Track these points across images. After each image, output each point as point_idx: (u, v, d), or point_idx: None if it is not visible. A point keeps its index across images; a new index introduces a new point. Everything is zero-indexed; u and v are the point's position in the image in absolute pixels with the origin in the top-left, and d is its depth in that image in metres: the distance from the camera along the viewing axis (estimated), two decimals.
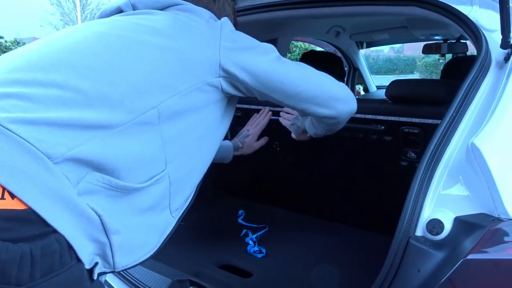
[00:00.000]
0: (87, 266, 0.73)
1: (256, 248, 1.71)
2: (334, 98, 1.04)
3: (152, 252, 0.88)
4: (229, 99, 1.00)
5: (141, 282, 1.32)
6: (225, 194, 2.29)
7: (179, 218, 0.96)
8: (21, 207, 0.63)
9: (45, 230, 0.65)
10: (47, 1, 23.70)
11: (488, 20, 1.17)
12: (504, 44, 1.07)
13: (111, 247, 0.76)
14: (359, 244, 1.72)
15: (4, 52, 12.27)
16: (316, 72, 1.03)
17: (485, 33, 1.14)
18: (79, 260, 0.71)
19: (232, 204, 2.16)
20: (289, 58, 8.11)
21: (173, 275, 1.38)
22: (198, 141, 0.93)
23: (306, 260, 1.62)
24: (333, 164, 1.89)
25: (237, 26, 1.22)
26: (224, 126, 1.03)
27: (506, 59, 1.07)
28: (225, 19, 1.00)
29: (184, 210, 0.98)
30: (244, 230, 1.86)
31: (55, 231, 0.66)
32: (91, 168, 0.73)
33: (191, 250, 1.69)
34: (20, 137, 0.65)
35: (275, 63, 0.97)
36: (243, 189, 2.26)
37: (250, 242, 1.75)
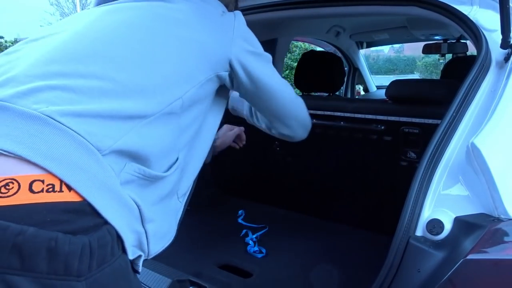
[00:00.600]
0: (130, 257, 0.75)
1: (256, 248, 1.71)
2: (302, 125, 1.13)
3: (174, 236, 0.92)
4: (223, 88, 1.04)
5: (141, 282, 1.31)
6: (225, 194, 2.29)
7: (185, 203, 0.98)
8: (77, 199, 0.65)
9: (98, 221, 0.67)
10: (47, 1, 23.70)
11: (488, 20, 1.17)
12: (504, 44, 1.07)
13: (146, 236, 0.78)
14: (359, 244, 1.72)
15: None
16: (295, 94, 1.11)
17: (485, 33, 1.14)
18: (124, 251, 0.73)
19: (232, 204, 2.16)
20: (289, 58, 8.05)
21: (173, 275, 1.38)
22: (201, 128, 0.96)
23: (306, 260, 1.62)
24: (333, 164, 1.89)
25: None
26: (220, 113, 1.07)
27: (506, 59, 1.07)
28: (238, 14, 1.02)
29: (189, 196, 1.00)
30: (244, 230, 1.86)
31: (106, 222, 0.68)
32: (129, 158, 0.75)
33: (191, 250, 1.69)
34: (72, 130, 0.67)
35: (271, 74, 1.02)
36: (243, 189, 2.25)
37: (250, 242, 1.75)
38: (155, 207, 0.82)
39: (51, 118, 0.67)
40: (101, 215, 0.67)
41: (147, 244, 0.79)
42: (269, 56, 1.04)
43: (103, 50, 0.81)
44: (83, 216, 0.66)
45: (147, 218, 0.77)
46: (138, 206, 0.75)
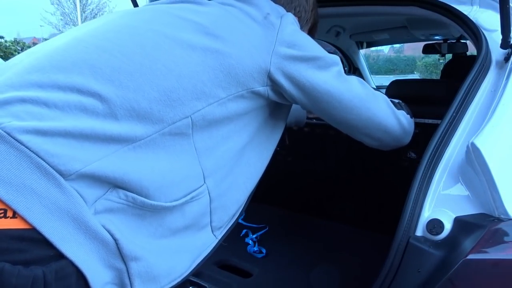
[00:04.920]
0: None
1: (256, 248, 1.70)
2: (384, 131, 0.96)
3: (181, 278, 0.79)
4: (274, 103, 0.88)
5: None
6: None
7: (222, 238, 0.86)
8: (25, 226, 0.58)
9: (52, 252, 0.60)
10: (47, 1, 23.70)
11: (488, 20, 1.17)
12: (504, 44, 1.07)
13: (128, 275, 0.68)
14: (359, 244, 1.72)
15: (4, 52, 12.25)
16: (374, 98, 0.92)
17: (485, 33, 1.14)
18: None
19: None
20: None
21: None
22: (241, 151, 0.83)
23: (306, 260, 1.62)
24: (333, 164, 1.89)
25: (316, 25, 1.14)
26: (273, 131, 0.92)
27: (506, 59, 1.07)
28: (288, 16, 0.86)
29: (229, 229, 0.88)
30: (244, 230, 1.86)
31: (61, 254, 0.60)
32: (112, 185, 0.66)
33: None
34: (31, 150, 0.60)
35: (332, 81, 0.85)
36: None
37: (250, 242, 1.75)
38: (154, 242, 0.72)
39: (9, 135, 0.59)
40: (54, 246, 0.59)
41: (130, 285, 0.68)
42: (329, 58, 0.86)
43: (92, 58, 0.70)
44: (38, 245, 0.59)
45: (129, 255, 0.67)
46: (115, 240, 0.65)
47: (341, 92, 0.86)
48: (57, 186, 0.61)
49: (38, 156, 0.60)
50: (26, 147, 0.60)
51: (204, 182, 0.77)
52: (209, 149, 0.76)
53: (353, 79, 0.90)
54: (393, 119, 0.97)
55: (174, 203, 0.73)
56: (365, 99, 0.90)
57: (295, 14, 0.99)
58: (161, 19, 0.79)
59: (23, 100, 0.63)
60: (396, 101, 1.07)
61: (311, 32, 1.13)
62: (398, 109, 1.01)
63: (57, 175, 0.61)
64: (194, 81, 0.73)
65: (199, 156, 0.75)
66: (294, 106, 0.99)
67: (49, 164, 0.60)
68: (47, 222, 0.59)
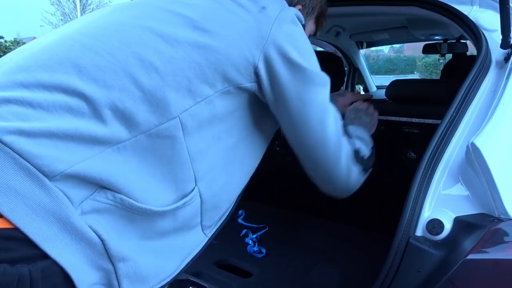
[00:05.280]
0: None
1: (256, 248, 1.70)
2: (328, 179, 0.93)
3: (171, 278, 0.78)
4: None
5: None
6: None
7: (212, 236, 0.85)
8: (8, 225, 0.58)
9: (36, 252, 0.60)
10: (47, 1, 23.70)
11: (488, 20, 1.17)
12: (504, 44, 1.07)
13: (116, 276, 0.67)
14: (359, 244, 1.72)
15: (4, 52, 12.27)
16: (338, 144, 0.87)
17: (485, 33, 1.14)
18: None
19: None
20: None
21: None
22: (232, 150, 0.81)
23: (306, 260, 1.62)
24: None
25: (323, 14, 1.09)
26: (265, 127, 0.89)
27: (506, 59, 1.07)
28: (288, 11, 0.81)
29: (219, 227, 0.87)
30: (244, 230, 1.86)
31: (45, 254, 0.60)
32: (99, 186, 0.66)
33: None
34: (14, 151, 0.60)
35: (311, 101, 0.80)
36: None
37: (250, 242, 1.75)
38: (143, 243, 0.71)
39: None
40: (38, 246, 0.59)
41: (119, 286, 0.68)
42: (321, 78, 0.82)
43: (77, 56, 0.69)
44: (25, 244, 0.59)
45: (116, 256, 0.66)
46: (102, 240, 0.65)
47: (311, 119, 0.82)
48: (42, 187, 0.61)
49: (22, 157, 0.60)
50: (10, 148, 0.60)
51: (196, 185, 0.76)
52: (201, 151, 0.75)
53: (332, 112, 0.85)
54: (342, 177, 0.92)
55: (165, 208, 0.72)
56: (329, 140, 0.86)
57: (298, 1, 1.00)
58: (150, 14, 0.77)
59: (8, 101, 0.63)
60: (368, 149, 1.02)
61: (319, 22, 1.11)
62: (358, 161, 0.95)
63: (41, 176, 0.61)
64: (179, 78, 0.71)
65: (192, 160, 0.74)
66: None
67: (33, 165, 0.60)
68: (31, 223, 0.59)
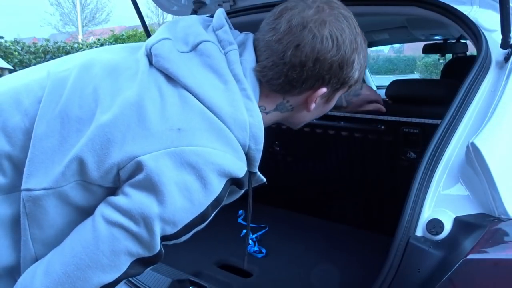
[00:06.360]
0: None
1: (256, 248, 1.71)
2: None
3: None
4: None
5: (141, 282, 1.31)
6: None
7: None
8: None
9: None
10: (47, 1, 23.71)
11: (488, 20, 1.17)
12: (504, 44, 1.07)
13: None
14: (359, 244, 1.72)
15: (4, 52, 12.25)
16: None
17: (485, 33, 1.14)
18: None
19: (232, 204, 2.16)
20: None
21: (173, 275, 1.38)
22: None
23: (306, 260, 1.62)
24: (333, 164, 1.89)
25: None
26: None
27: (506, 59, 1.07)
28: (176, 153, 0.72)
29: None
30: (244, 230, 1.86)
31: None
32: None
33: (191, 250, 1.68)
34: None
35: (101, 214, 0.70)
36: None
37: (250, 242, 1.75)
38: None
39: None
40: None
41: None
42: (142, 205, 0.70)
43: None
44: None
45: None
46: None
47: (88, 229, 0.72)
48: None
49: None
50: None
51: None
52: None
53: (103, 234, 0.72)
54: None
55: None
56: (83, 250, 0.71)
57: (318, 85, 0.82)
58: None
59: None
60: None
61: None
62: None
63: None
64: None
65: None
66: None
67: None
68: None
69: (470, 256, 0.77)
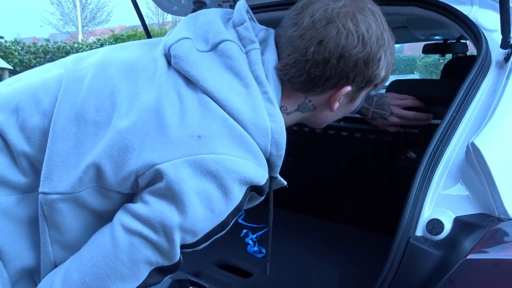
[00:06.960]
0: None
1: (256, 248, 1.70)
2: None
3: None
4: None
5: None
6: None
7: None
8: None
9: None
10: (47, 1, 23.70)
11: (488, 20, 1.17)
12: (504, 44, 1.07)
13: None
14: (359, 244, 1.72)
15: (4, 52, 12.25)
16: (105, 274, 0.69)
17: (485, 33, 1.14)
18: None
19: None
20: None
21: (173, 275, 1.38)
22: None
23: (306, 260, 1.62)
24: (333, 164, 1.89)
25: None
26: None
27: (506, 59, 1.07)
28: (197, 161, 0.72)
29: None
30: (244, 230, 1.86)
31: None
32: None
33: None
34: None
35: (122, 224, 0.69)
36: None
37: (250, 242, 1.75)
38: None
39: None
40: None
41: None
42: (160, 216, 0.70)
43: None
44: None
45: None
46: None
47: (109, 237, 0.70)
48: None
49: None
50: None
51: None
52: None
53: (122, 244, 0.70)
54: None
55: None
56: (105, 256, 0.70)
57: (342, 83, 0.80)
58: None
59: None
60: None
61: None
62: None
63: None
64: None
65: None
66: None
67: None
68: None
69: (470, 256, 0.77)
